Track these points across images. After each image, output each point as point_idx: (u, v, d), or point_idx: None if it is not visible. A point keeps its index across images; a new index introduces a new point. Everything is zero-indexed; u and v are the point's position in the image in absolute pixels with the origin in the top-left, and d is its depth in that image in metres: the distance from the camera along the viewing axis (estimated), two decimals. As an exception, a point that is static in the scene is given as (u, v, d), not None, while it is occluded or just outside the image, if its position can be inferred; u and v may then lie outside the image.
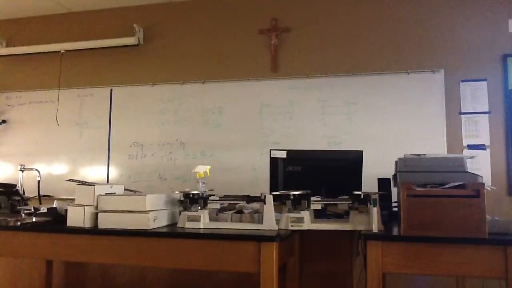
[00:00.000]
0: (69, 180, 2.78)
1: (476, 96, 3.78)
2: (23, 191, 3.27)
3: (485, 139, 3.72)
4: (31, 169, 3.42)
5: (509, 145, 3.68)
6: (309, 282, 2.80)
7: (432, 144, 3.74)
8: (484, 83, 3.78)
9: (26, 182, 3.38)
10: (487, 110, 3.74)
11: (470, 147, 3.73)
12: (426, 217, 2.10)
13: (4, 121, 4.76)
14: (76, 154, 4.56)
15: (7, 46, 4.90)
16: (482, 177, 2.22)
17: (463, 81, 3.81)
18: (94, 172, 4.48)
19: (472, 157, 2.37)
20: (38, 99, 4.74)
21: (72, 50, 4.65)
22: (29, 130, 4.72)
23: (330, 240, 2.78)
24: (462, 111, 3.79)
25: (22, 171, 3.34)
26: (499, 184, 3.62)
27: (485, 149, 3.71)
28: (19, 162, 3.89)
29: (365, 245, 2.18)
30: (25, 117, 4.76)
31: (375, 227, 2.23)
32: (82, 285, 3.20)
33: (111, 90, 4.56)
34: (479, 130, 3.74)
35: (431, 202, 2.10)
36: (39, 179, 3.35)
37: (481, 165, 3.64)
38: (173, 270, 3.04)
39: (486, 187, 2.09)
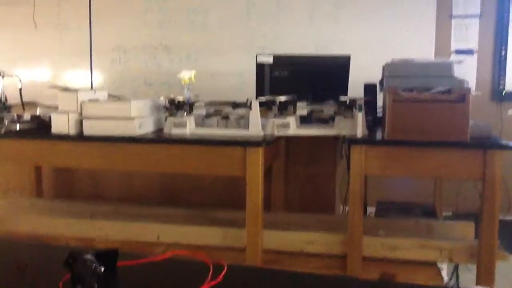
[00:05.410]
0: (51, 87, 2.71)
1: (469, -2, 3.68)
2: (5, 98, 3.20)
3: (473, 44, 3.68)
4: (11, 76, 3.32)
5: (497, 50, 3.65)
6: (294, 184, 2.89)
7: (421, 48, 3.68)
8: (478, -17, 3.66)
9: (7, 89, 3.29)
10: (478, 13, 3.65)
11: (458, 51, 3.69)
12: (410, 122, 2.12)
13: (-22, 25, 4.55)
14: (57, 58, 4.42)
15: None
16: (468, 82, 2.22)
17: (456, -19, 3.68)
18: (77, 77, 4.39)
19: (459, 62, 2.35)
20: (12, 0, 4.49)
21: None
22: (5, 34, 4.52)
23: (315, 145, 2.83)
24: (453, 14, 3.70)
25: (2, 77, 3.24)
26: (484, 89, 3.64)
27: (472, 54, 3.67)
28: (-3, 68, 3.77)
29: (349, 149, 2.22)
30: (-1, 21, 4.54)
31: (359, 132, 2.26)
32: (71, 191, 3.27)
33: (90, -11, 4.33)
34: (468, 34, 3.68)
35: (416, 106, 2.11)
36: (20, 87, 3.26)
37: (467, 70, 3.63)
38: (160, 176, 3.09)
39: (471, 92, 2.09)
